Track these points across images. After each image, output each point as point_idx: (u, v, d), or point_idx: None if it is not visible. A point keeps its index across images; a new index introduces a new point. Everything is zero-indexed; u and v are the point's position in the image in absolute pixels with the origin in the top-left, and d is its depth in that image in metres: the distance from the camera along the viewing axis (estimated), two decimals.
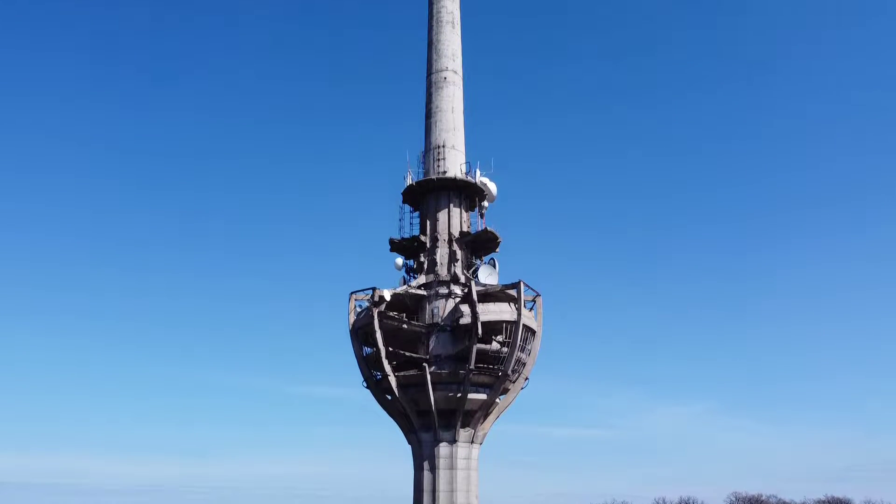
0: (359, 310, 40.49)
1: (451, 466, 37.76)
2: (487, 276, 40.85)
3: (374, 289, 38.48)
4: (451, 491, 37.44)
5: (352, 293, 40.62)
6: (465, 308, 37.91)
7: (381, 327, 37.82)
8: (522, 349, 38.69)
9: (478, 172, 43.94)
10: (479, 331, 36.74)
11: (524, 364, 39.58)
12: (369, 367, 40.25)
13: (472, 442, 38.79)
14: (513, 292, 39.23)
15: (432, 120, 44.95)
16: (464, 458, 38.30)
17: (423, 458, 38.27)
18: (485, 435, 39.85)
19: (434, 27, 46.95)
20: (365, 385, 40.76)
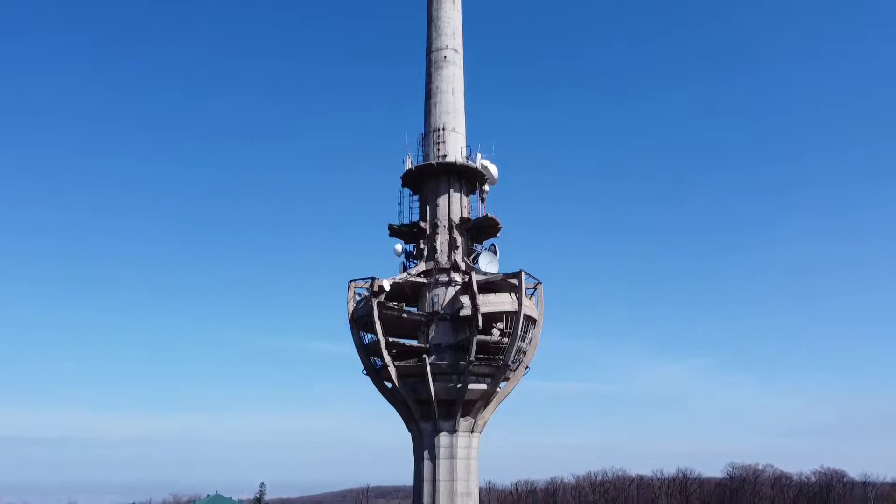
0: (358, 298, 40.08)
1: (452, 456, 37.89)
2: (488, 263, 40.36)
3: (373, 279, 38.00)
4: (452, 480, 37.66)
5: (351, 281, 40.13)
6: (465, 300, 37.50)
7: (380, 318, 37.46)
8: (523, 339, 38.45)
9: (479, 156, 43.02)
10: (480, 323, 36.42)
11: (525, 353, 39.36)
12: (369, 355, 40.07)
13: (473, 431, 38.84)
14: (514, 281, 38.77)
15: (432, 101, 43.78)
16: (464, 447, 38.41)
17: (424, 447, 38.37)
18: (485, 423, 39.89)
19: (434, 2, 45.36)
20: (365, 372, 40.65)
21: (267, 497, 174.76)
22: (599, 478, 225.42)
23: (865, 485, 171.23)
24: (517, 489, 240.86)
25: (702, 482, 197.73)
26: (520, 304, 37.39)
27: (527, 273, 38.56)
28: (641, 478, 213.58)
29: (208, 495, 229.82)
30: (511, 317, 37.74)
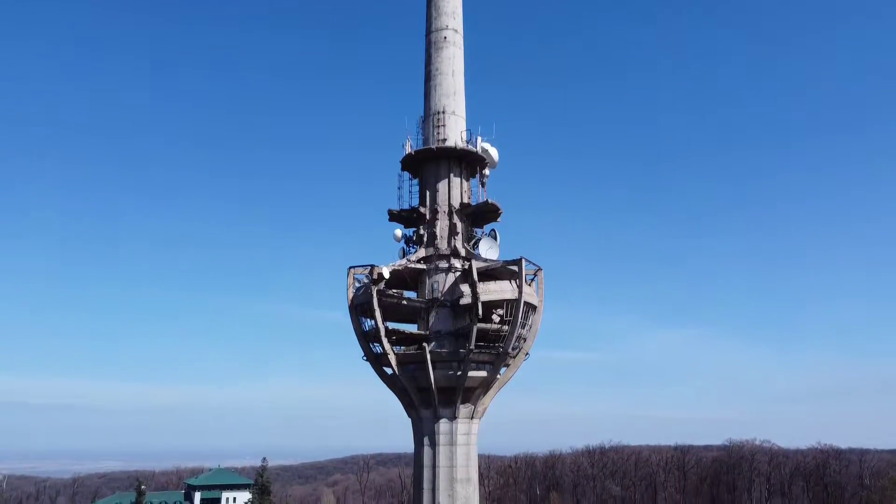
0: (357, 284, 39.77)
1: (451, 443, 37.91)
2: (488, 249, 39.95)
3: (372, 266, 37.66)
4: (451, 466, 37.72)
5: (350, 268, 39.74)
6: (465, 288, 37.20)
7: (380, 305, 37.23)
8: (523, 326, 38.24)
9: (479, 139, 42.39)
10: (480, 312, 36.17)
11: (525, 339, 39.17)
12: (369, 342, 39.88)
13: (472, 418, 38.80)
14: (514, 268, 38.42)
15: (432, 84, 43.00)
16: (464, 433, 38.41)
17: (424, 433, 38.37)
18: (485, 410, 39.84)
19: None
20: (364, 358, 40.50)
21: (269, 464, 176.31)
22: (598, 452, 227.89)
23: (861, 462, 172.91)
24: (516, 462, 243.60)
25: (699, 458, 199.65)
26: (520, 292, 37.11)
27: (527, 260, 38.23)
28: (639, 453, 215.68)
29: (211, 469, 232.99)
30: (511, 304, 37.49)
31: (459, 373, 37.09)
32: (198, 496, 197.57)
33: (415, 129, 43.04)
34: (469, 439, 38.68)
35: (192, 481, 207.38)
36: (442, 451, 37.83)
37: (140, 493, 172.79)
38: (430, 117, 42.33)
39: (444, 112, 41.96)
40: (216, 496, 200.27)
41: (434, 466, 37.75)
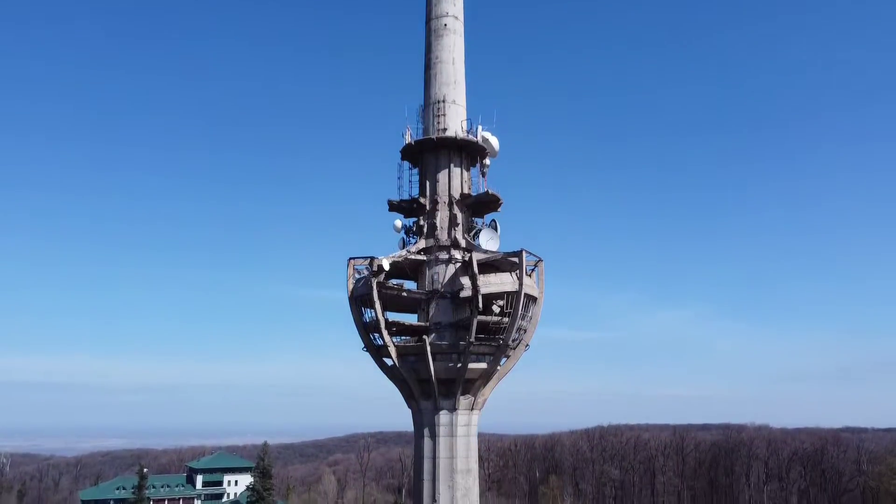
0: (357, 275, 39.64)
1: (451, 434, 37.99)
2: (488, 240, 39.77)
3: (372, 258, 37.48)
4: (452, 458, 37.83)
5: (350, 259, 39.61)
6: (465, 281, 37.06)
7: (380, 297, 37.12)
8: (524, 317, 38.15)
9: (479, 129, 42.03)
10: (480, 305, 36.06)
11: (525, 331, 39.12)
12: (369, 332, 39.81)
13: (472, 409, 38.87)
14: (515, 259, 38.26)
15: (432, 72, 42.54)
16: (464, 425, 38.48)
17: (424, 424, 38.45)
18: (485, 401, 39.90)
19: None
20: (364, 349, 40.47)
21: (270, 442, 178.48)
22: (597, 435, 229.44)
23: (859, 447, 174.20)
24: (515, 445, 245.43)
25: (698, 442, 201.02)
26: (520, 285, 36.97)
27: (528, 252, 38.04)
28: (638, 436, 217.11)
29: (214, 452, 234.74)
30: (511, 296, 37.36)
31: (459, 365, 37.07)
32: (199, 479, 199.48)
33: (415, 118, 42.75)
34: (469, 430, 38.75)
35: (194, 464, 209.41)
36: (442, 442, 37.91)
37: (142, 477, 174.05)
38: (430, 106, 41.94)
39: (444, 101, 41.56)
40: (218, 479, 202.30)
41: (434, 458, 37.86)
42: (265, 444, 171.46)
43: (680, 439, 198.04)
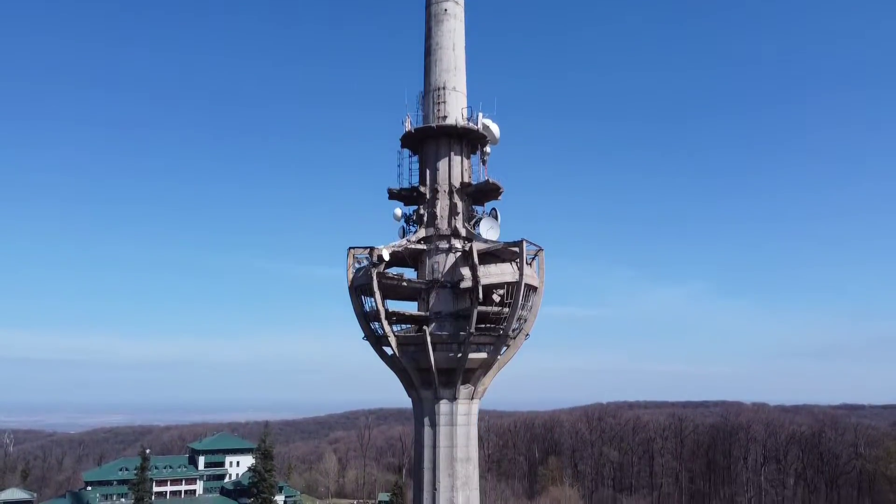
0: (357, 265, 39.51)
1: (452, 423, 38.11)
2: (489, 229, 39.58)
3: (371, 248, 37.33)
4: (452, 446, 38.00)
5: (350, 248, 39.48)
6: (465, 271, 36.94)
7: (380, 287, 37.03)
8: (524, 307, 38.09)
9: (480, 116, 41.63)
10: (480, 296, 35.96)
11: (525, 320, 39.07)
12: (368, 322, 39.77)
13: (472, 398, 38.96)
14: (515, 249, 38.10)
15: (432, 59, 42.03)
16: (464, 414, 38.58)
17: (424, 413, 38.57)
18: (485, 390, 39.97)
19: None
20: (365, 338, 40.46)
21: (271, 418, 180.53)
22: (597, 415, 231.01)
23: (857, 431, 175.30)
24: (515, 426, 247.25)
25: (696, 425, 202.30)
26: (521, 275, 36.85)
27: (528, 241, 37.86)
28: (637, 418, 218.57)
29: (215, 434, 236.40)
30: (512, 286, 37.25)
31: (460, 355, 37.06)
32: (202, 460, 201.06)
33: (415, 105, 42.32)
34: (469, 419, 38.87)
35: (196, 446, 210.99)
36: (442, 431, 38.04)
37: (145, 458, 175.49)
38: (430, 93, 41.50)
39: (444, 88, 41.11)
40: (220, 460, 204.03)
41: (434, 446, 38.02)
42: (267, 427, 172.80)
43: (678, 422, 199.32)
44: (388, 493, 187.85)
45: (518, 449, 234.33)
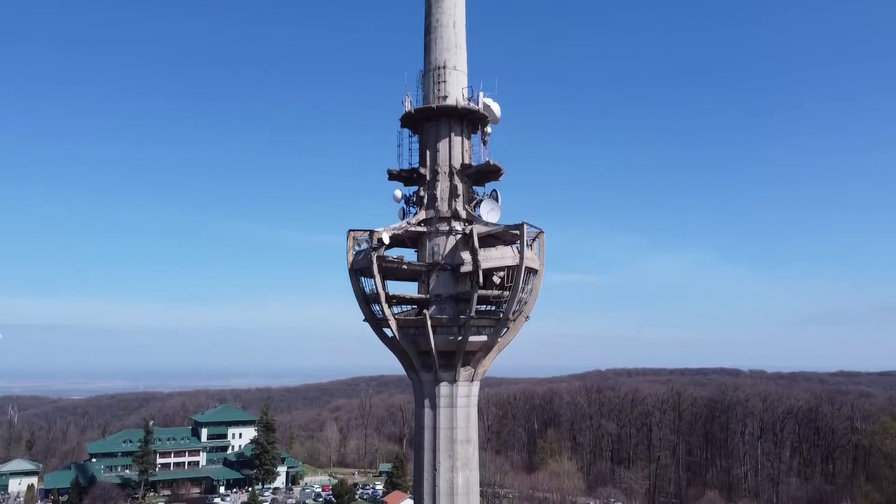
0: (357, 247, 39.34)
1: (452, 405, 38.29)
2: (489, 211, 39.32)
3: (371, 231, 37.13)
4: (452, 428, 38.24)
5: (350, 231, 39.28)
6: (466, 255, 36.79)
7: (380, 271, 36.91)
8: (524, 290, 38.02)
9: (480, 95, 41.08)
10: (481, 280, 35.86)
11: (526, 302, 39.03)
12: (369, 304, 39.73)
13: (473, 380, 39.09)
14: (516, 232, 37.90)
15: (432, 37, 41.31)
16: (464, 395, 38.75)
17: (424, 395, 38.74)
18: (484, 371, 40.07)
19: None
20: (365, 320, 40.47)
21: (273, 385, 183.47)
22: (595, 388, 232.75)
23: (853, 406, 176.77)
24: (515, 398, 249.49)
25: (694, 399, 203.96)
26: (521, 258, 36.69)
27: (529, 224, 37.65)
28: (636, 391, 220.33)
29: (217, 406, 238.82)
30: (512, 270, 37.12)
31: (460, 338, 37.07)
32: (204, 432, 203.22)
33: (415, 84, 41.73)
34: (469, 401, 39.04)
35: (199, 418, 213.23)
36: (442, 413, 38.23)
37: (148, 431, 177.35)
38: (430, 72, 40.88)
39: (444, 67, 40.49)
40: (222, 432, 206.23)
41: (435, 428, 38.26)
42: (268, 399, 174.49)
43: (677, 395, 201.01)
44: (390, 464, 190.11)
45: (517, 420, 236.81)
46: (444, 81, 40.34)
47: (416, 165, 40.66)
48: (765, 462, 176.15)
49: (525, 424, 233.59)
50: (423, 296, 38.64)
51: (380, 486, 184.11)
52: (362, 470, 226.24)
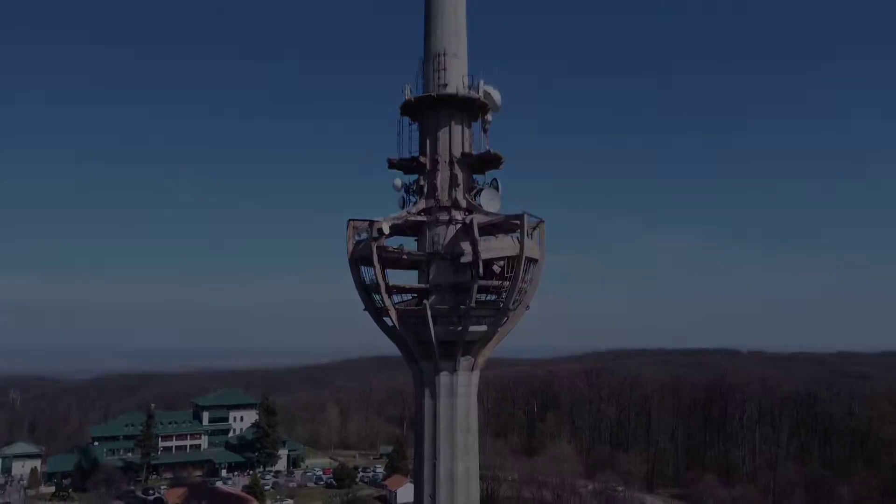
0: (357, 237, 39.19)
1: (452, 394, 38.39)
2: (490, 200, 39.16)
3: (371, 221, 36.97)
4: (452, 417, 38.39)
5: (350, 220, 39.10)
6: (466, 246, 36.62)
7: (380, 261, 36.82)
8: (524, 280, 37.92)
9: (481, 83, 40.71)
10: (481, 270, 35.77)
11: (525, 293, 38.95)
12: (369, 293, 39.67)
13: (472, 370, 39.16)
14: (516, 222, 37.73)
15: (432, 24, 40.90)
16: (464, 385, 38.84)
17: (425, 385, 38.85)
18: (484, 361, 40.17)
19: None
20: (365, 309, 40.42)
21: (274, 365, 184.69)
22: (595, 372, 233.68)
23: (851, 391, 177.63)
24: (513, 383, 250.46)
25: (693, 383, 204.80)
26: (521, 249, 36.56)
27: (529, 214, 37.46)
28: (636, 375, 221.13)
29: (219, 390, 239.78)
30: (512, 260, 37.01)
31: (460, 328, 37.06)
32: (206, 416, 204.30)
33: (414, 72, 41.35)
34: (469, 390, 39.16)
35: (201, 401, 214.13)
36: (442, 402, 38.34)
37: (150, 415, 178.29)
38: (430, 60, 40.50)
39: (444, 54, 40.10)
40: (224, 416, 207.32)
41: (435, 417, 38.39)
42: (267, 389, 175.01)
43: (676, 380, 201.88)
44: (391, 447, 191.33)
45: (517, 403, 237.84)
46: (445, 69, 39.95)
47: (417, 154, 40.46)
48: (763, 446, 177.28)
49: (524, 407, 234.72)
50: (424, 285, 38.61)
51: (380, 470, 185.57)
52: (363, 452, 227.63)
